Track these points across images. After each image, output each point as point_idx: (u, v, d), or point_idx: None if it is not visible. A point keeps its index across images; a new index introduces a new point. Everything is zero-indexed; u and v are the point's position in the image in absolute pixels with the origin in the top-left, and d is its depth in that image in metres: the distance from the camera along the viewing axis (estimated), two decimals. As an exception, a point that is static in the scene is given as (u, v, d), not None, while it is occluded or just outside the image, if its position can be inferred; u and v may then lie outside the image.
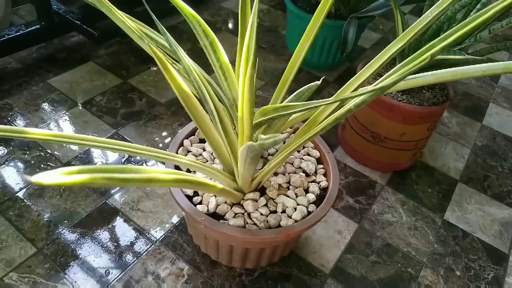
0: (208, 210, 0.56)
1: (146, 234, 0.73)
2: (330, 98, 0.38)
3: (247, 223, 0.55)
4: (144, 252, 0.70)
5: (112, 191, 0.79)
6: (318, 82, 0.43)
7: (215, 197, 0.57)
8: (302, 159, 0.66)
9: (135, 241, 0.72)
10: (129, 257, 0.69)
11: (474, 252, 0.79)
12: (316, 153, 0.67)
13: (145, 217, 0.76)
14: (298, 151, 0.68)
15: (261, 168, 0.57)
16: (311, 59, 1.17)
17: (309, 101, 0.40)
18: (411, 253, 0.77)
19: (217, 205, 0.56)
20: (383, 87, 0.38)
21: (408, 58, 0.45)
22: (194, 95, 0.53)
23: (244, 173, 0.50)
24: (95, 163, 0.85)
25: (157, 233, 0.73)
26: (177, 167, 0.59)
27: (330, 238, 0.77)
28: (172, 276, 0.68)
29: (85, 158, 0.85)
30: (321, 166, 0.66)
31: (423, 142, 0.88)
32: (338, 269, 0.72)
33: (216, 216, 0.56)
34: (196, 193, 0.59)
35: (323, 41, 1.10)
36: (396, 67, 0.47)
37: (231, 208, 0.57)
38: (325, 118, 0.51)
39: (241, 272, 0.69)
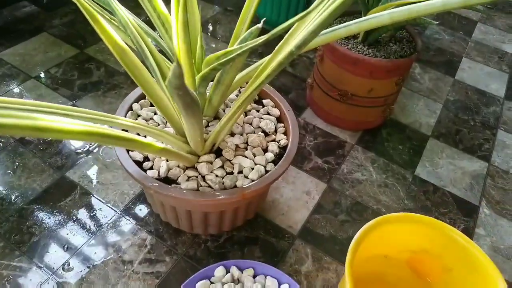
0: (159, 175, 0.53)
1: (107, 206, 0.70)
2: (264, 36, 0.34)
3: (201, 185, 0.52)
4: (105, 224, 0.68)
5: (70, 165, 0.75)
6: (260, 25, 0.39)
7: (167, 161, 0.54)
8: (262, 118, 0.63)
9: (95, 214, 0.69)
10: (88, 231, 0.67)
11: (445, 206, 0.78)
12: (276, 112, 0.64)
13: (104, 189, 0.73)
14: (258, 111, 0.64)
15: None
16: (278, 19, 1.12)
17: (247, 42, 0.37)
18: (381, 210, 0.75)
19: (169, 170, 0.53)
20: (321, 22, 0.34)
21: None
22: (134, 52, 0.49)
23: (190, 130, 0.47)
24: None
25: (118, 205, 0.71)
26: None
27: (298, 199, 0.75)
28: (135, 247, 0.65)
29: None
30: (282, 124, 0.63)
31: (392, 98, 0.85)
32: (306, 229, 0.71)
33: (168, 181, 0.53)
34: (146, 159, 0.55)
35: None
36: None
37: (184, 172, 0.54)
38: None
39: (206, 238, 0.67)
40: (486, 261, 0.50)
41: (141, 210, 0.70)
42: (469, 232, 0.74)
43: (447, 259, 0.56)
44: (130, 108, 0.61)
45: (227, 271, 0.54)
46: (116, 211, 0.70)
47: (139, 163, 0.54)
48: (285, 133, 0.62)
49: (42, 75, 0.93)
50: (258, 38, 0.35)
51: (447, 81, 1.08)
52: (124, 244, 0.66)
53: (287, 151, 0.57)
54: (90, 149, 0.79)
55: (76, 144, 0.79)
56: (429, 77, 1.08)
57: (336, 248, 0.69)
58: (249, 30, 0.42)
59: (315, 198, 0.76)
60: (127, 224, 0.68)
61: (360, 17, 0.83)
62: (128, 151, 0.55)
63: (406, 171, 0.83)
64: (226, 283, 0.51)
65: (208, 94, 0.57)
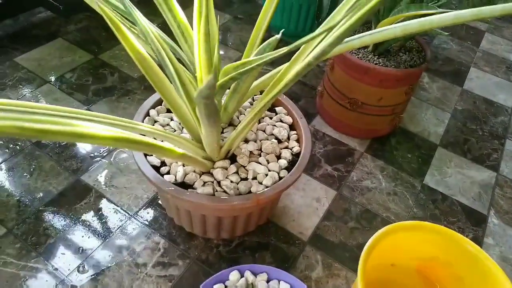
0: (176, 179, 0.54)
1: (120, 210, 0.71)
2: (285, 48, 0.36)
3: (216, 191, 0.54)
4: (119, 227, 0.69)
5: (85, 168, 0.77)
6: (278, 36, 0.40)
7: (183, 166, 0.55)
8: (275, 125, 0.64)
9: (109, 217, 0.70)
10: (103, 233, 0.68)
11: (453, 215, 0.79)
12: (289, 119, 0.66)
13: (119, 193, 0.74)
14: (271, 118, 0.66)
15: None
16: (287, 28, 1.13)
17: (266, 54, 0.38)
18: (391, 218, 0.76)
19: (185, 174, 0.55)
20: (340, 35, 0.35)
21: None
22: (154, 60, 0.51)
23: (208, 137, 0.48)
24: (66, 141, 0.82)
25: (132, 209, 0.72)
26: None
27: (308, 206, 0.76)
28: (148, 250, 0.66)
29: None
30: (294, 132, 0.64)
31: (401, 107, 0.86)
32: (316, 236, 0.71)
33: (184, 186, 0.54)
34: (163, 163, 0.57)
35: (299, 8, 1.07)
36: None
37: (200, 177, 0.55)
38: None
39: (218, 243, 0.68)
40: (497, 270, 0.51)
41: (155, 214, 0.71)
42: (478, 241, 0.75)
43: (457, 268, 0.56)
44: (147, 114, 0.62)
45: (241, 276, 0.55)
46: (130, 215, 0.71)
47: (156, 168, 0.56)
48: (298, 141, 0.63)
49: (57, 80, 0.95)
50: (279, 50, 0.37)
51: (455, 90, 1.09)
52: (138, 247, 0.67)
53: (300, 158, 0.58)
54: (104, 153, 0.80)
55: (90, 148, 0.81)
56: (437, 86, 1.09)
57: (346, 255, 0.69)
58: (267, 41, 0.44)
59: (325, 205, 0.77)
60: (140, 228, 0.69)
61: (370, 27, 0.85)
62: (146, 156, 0.56)
63: (415, 180, 0.84)
64: (240, 287, 0.52)
65: (224, 101, 0.58)
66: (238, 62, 0.45)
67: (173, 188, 0.51)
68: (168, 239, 0.68)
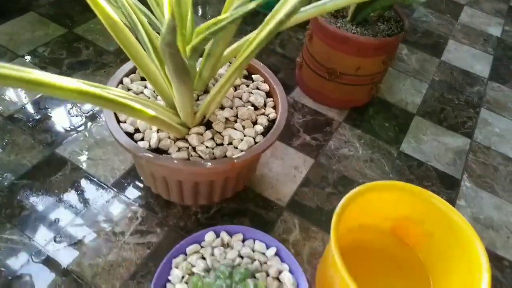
0: (150, 146, 0.54)
1: (97, 181, 0.71)
2: (253, 2, 0.35)
3: (191, 156, 0.53)
4: (96, 198, 0.69)
5: (60, 141, 0.76)
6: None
7: (157, 132, 0.55)
8: (251, 93, 0.64)
9: (85, 188, 0.70)
10: (79, 204, 0.67)
11: (428, 179, 0.80)
12: (266, 87, 0.65)
13: (95, 165, 0.73)
14: (247, 86, 0.65)
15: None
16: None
17: (238, 9, 0.38)
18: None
19: (160, 140, 0.54)
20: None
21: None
22: (126, 26, 0.50)
23: (180, 100, 0.48)
24: (40, 114, 0.81)
25: (109, 180, 0.71)
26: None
27: (287, 174, 0.77)
28: (126, 220, 0.66)
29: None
30: (271, 99, 0.64)
31: (379, 76, 0.87)
32: (294, 202, 0.73)
33: (159, 152, 0.54)
34: (137, 130, 0.56)
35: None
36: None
37: (174, 143, 0.55)
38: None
39: (197, 210, 0.69)
40: (465, 225, 0.52)
41: (132, 184, 0.71)
42: (450, 203, 0.76)
43: (428, 225, 0.58)
44: (121, 82, 0.61)
45: (217, 236, 0.55)
46: (107, 186, 0.71)
47: (130, 135, 0.55)
48: (274, 107, 0.63)
49: (30, 54, 0.92)
50: (248, 4, 0.36)
51: (433, 62, 1.10)
52: (115, 217, 0.67)
53: (276, 123, 0.59)
54: (80, 126, 0.79)
55: (65, 121, 0.80)
56: (416, 58, 1.10)
57: (323, 218, 0.71)
58: (241, 1, 0.43)
59: (303, 173, 0.78)
60: (117, 198, 0.69)
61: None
62: (119, 122, 0.56)
63: (392, 147, 0.85)
64: (216, 247, 0.53)
65: (198, 68, 0.57)
66: (209, 22, 0.44)
67: (146, 154, 0.51)
68: (146, 208, 0.68)
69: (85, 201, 0.68)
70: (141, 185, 0.71)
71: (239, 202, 0.71)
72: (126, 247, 0.63)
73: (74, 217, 0.66)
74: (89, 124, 0.80)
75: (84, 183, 0.70)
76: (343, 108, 0.91)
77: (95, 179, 0.71)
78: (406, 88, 1.00)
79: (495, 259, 0.70)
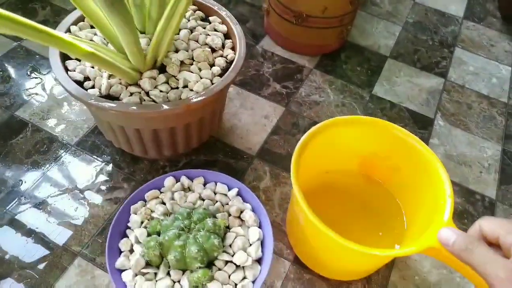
0: (100, 92, 0.52)
1: (60, 141, 0.69)
2: None
3: (144, 100, 0.51)
4: (59, 157, 0.67)
5: (19, 104, 0.73)
6: None
7: (108, 79, 0.52)
8: (208, 35, 0.61)
9: (48, 149, 0.68)
10: (43, 165, 0.66)
11: (401, 120, 0.79)
12: (223, 28, 0.62)
13: (57, 125, 0.71)
14: (204, 28, 0.62)
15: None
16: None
17: None
18: (339, 129, 0.76)
19: (110, 87, 0.52)
20: None
21: None
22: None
23: (123, 39, 0.45)
24: (-4, 78, 0.77)
25: (72, 139, 0.69)
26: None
27: (257, 123, 0.75)
28: (91, 177, 0.65)
29: (-16, 74, 0.77)
30: (230, 40, 0.62)
31: (348, 18, 0.84)
32: (264, 150, 0.71)
33: (111, 98, 0.52)
34: (87, 78, 0.54)
35: None
36: None
37: (126, 89, 0.52)
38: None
39: (165, 164, 0.67)
40: (429, 154, 0.51)
41: (96, 142, 0.69)
42: (424, 142, 0.76)
43: (395, 159, 0.57)
44: (68, 31, 0.58)
45: (177, 181, 0.54)
46: (70, 145, 0.68)
47: (80, 83, 0.53)
48: (233, 49, 0.61)
49: (-18, 17, 0.87)
50: None
51: (407, 3, 1.07)
52: (80, 175, 0.65)
53: (234, 62, 0.56)
54: (40, 87, 0.76)
55: (24, 83, 0.76)
56: (389, 0, 1.06)
57: (294, 164, 0.70)
58: None
59: (273, 121, 0.76)
60: (82, 156, 0.67)
61: None
62: (67, 71, 0.53)
63: (364, 91, 0.83)
64: (176, 191, 0.52)
65: (147, 8, 0.54)
66: None
67: (94, 100, 0.48)
68: (112, 165, 0.66)
69: (48, 162, 0.66)
70: (106, 142, 0.69)
71: (209, 153, 0.69)
72: (93, 204, 0.62)
73: (37, 178, 0.64)
74: (49, 84, 0.77)
75: (46, 144, 0.68)
76: (314, 55, 0.89)
77: (58, 140, 0.69)
78: (378, 31, 0.97)
79: (468, 194, 0.70)
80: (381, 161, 0.59)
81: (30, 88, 0.76)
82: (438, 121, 0.80)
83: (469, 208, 0.69)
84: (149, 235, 0.47)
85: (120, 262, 0.45)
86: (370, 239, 0.45)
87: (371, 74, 0.87)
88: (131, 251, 0.47)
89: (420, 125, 0.79)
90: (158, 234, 0.46)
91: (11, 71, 0.79)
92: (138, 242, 0.47)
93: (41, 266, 0.56)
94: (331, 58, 0.89)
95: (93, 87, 0.53)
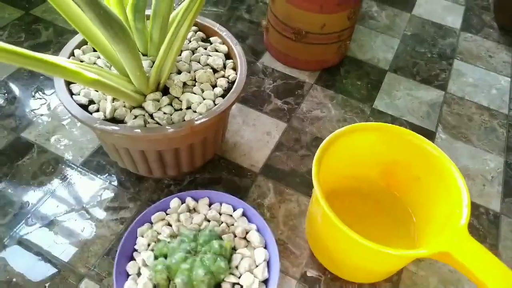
0: (105, 116, 0.53)
1: (66, 162, 0.70)
2: None
3: (148, 122, 0.52)
4: (65, 178, 0.67)
5: (25, 125, 0.74)
6: None
7: (112, 102, 0.53)
8: (209, 55, 0.62)
9: (54, 170, 0.68)
10: (49, 186, 0.66)
11: (402, 134, 0.80)
12: (224, 48, 0.63)
13: (62, 146, 0.72)
14: (205, 49, 0.63)
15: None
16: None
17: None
18: (341, 143, 0.77)
19: (115, 110, 0.53)
20: None
21: None
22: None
23: (126, 62, 0.46)
24: None
25: (77, 159, 0.70)
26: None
27: (259, 140, 0.76)
28: (97, 197, 0.65)
29: (-11, 96, 0.78)
30: (231, 60, 0.63)
31: (346, 33, 0.85)
32: (267, 166, 0.72)
33: (115, 121, 0.53)
34: (92, 102, 0.55)
35: None
36: None
37: (130, 112, 0.53)
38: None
39: (169, 183, 0.68)
40: (452, 166, 0.51)
41: (101, 162, 0.70)
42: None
43: (415, 168, 0.57)
44: (72, 54, 0.59)
45: (183, 202, 0.55)
46: (75, 165, 0.69)
47: (84, 107, 0.54)
48: (234, 69, 0.62)
49: (-12, 39, 0.89)
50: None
51: (404, 17, 1.08)
52: (86, 195, 0.66)
53: (235, 83, 0.57)
54: (45, 108, 0.77)
55: (29, 104, 0.77)
56: (386, 14, 1.08)
57: (297, 180, 0.70)
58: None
59: (276, 137, 0.77)
60: (87, 177, 0.68)
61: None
62: (72, 95, 0.54)
63: (365, 105, 0.84)
64: (182, 213, 0.52)
65: (148, 31, 0.55)
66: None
67: (99, 124, 0.49)
68: (118, 185, 0.67)
69: (54, 183, 0.67)
70: (110, 162, 0.70)
71: (212, 171, 0.70)
72: (99, 224, 0.63)
73: (44, 199, 0.65)
74: (53, 106, 0.78)
75: (52, 165, 0.69)
76: (314, 70, 0.90)
77: (63, 160, 0.70)
78: (377, 45, 0.98)
79: (472, 207, 0.70)
80: (402, 170, 0.60)
81: (35, 109, 0.77)
82: (439, 134, 0.81)
83: (473, 221, 0.69)
84: (156, 258, 0.47)
85: (128, 285, 0.46)
86: (384, 243, 0.47)
87: (371, 88, 0.88)
88: (139, 274, 0.47)
89: (422, 138, 0.79)
90: (165, 256, 0.46)
91: (16, 92, 0.80)
92: (145, 265, 0.47)
93: (48, 289, 0.56)
94: (331, 73, 0.90)
95: (97, 110, 0.54)
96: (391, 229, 0.60)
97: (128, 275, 0.47)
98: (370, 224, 0.60)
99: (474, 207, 0.70)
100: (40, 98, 0.79)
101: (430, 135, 0.80)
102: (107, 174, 0.68)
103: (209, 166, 0.70)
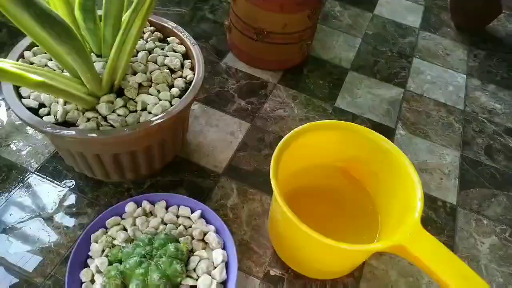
0: (56, 119, 0.51)
1: (20, 168, 0.67)
2: None
3: (101, 125, 0.51)
4: (19, 184, 0.65)
5: (-25, 131, 0.71)
6: None
7: (64, 105, 0.52)
8: (167, 56, 0.61)
9: (7, 176, 0.66)
10: (3, 193, 0.63)
11: (364, 131, 0.81)
12: (182, 48, 0.63)
13: (17, 151, 0.69)
14: (162, 49, 0.62)
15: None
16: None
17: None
18: (304, 142, 0.77)
19: (66, 113, 0.51)
20: None
21: None
22: None
23: (75, 64, 0.44)
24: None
25: (32, 165, 0.67)
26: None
27: (222, 140, 0.76)
28: (54, 204, 0.63)
29: None
30: (189, 61, 0.62)
31: (308, 33, 0.86)
32: (231, 167, 0.72)
33: (67, 125, 0.51)
34: (42, 105, 0.53)
35: None
36: None
37: (83, 114, 0.52)
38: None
39: (129, 187, 0.66)
40: (406, 161, 0.53)
41: (58, 167, 0.68)
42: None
43: (373, 164, 0.59)
44: (22, 56, 0.57)
45: (139, 206, 0.53)
46: (31, 171, 0.67)
47: (35, 111, 0.52)
48: (192, 69, 0.61)
49: None
50: None
51: (366, 16, 1.10)
52: (42, 202, 0.63)
53: (192, 83, 0.57)
54: (-4, 113, 0.74)
55: (-20, 109, 0.74)
56: (349, 14, 1.10)
57: (261, 180, 0.70)
58: None
59: (239, 137, 0.76)
60: (43, 183, 0.66)
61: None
62: (20, 98, 0.52)
63: (326, 104, 0.85)
64: (137, 217, 0.51)
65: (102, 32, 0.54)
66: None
67: (49, 128, 0.48)
68: (75, 190, 0.65)
69: (8, 190, 0.64)
70: (67, 167, 0.68)
71: (174, 173, 0.69)
72: (56, 231, 0.61)
73: (-4, 207, 0.62)
74: (6, 110, 0.75)
75: (6, 170, 0.66)
76: (277, 70, 0.90)
77: (17, 166, 0.67)
78: (339, 45, 1.00)
79: (429, 201, 0.72)
80: (362, 166, 0.61)
81: (-14, 114, 0.74)
82: (399, 130, 0.83)
83: (431, 215, 0.71)
84: (110, 263, 0.46)
85: (80, 293, 0.44)
86: (346, 239, 0.47)
87: (333, 87, 0.89)
88: (92, 281, 0.46)
89: (382, 135, 0.81)
90: (120, 262, 0.45)
91: (-33, 97, 0.76)
92: (99, 271, 0.46)
93: (0, 301, 0.54)
94: (294, 72, 0.91)
95: (48, 113, 0.52)
96: (355, 225, 0.61)
97: (82, 283, 0.46)
98: (333, 221, 0.61)
99: (432, 200, 0.72)
100: (-7, 102, 0.76)
101: (390, 131, 0.82)
102: (64, 180, 0.66)
103: (171, 169, 0.69)
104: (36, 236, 0.60)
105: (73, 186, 0.66)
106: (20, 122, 0.73)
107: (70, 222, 0.62)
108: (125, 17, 0.53)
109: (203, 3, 1.04)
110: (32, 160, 0.68)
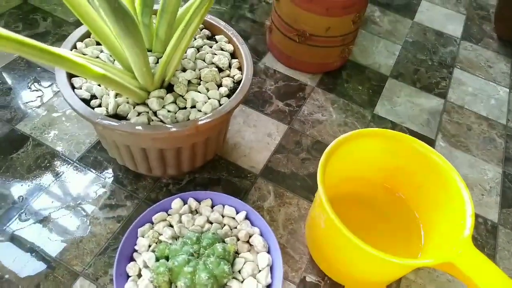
0: (108, 112, 0.51)
1: (62, 157, 0.68)
2: None
3: (152, 120, 0.51)
4: (61, 173, 0.66)
5: (20, 117, 0.72)
6: None
7: (115, 97, 0.52)
8: (215, 54, 0.61)
9: (49, 164, 0.67)
10: (44, 181, 0.64)
11: (402, 141, 0.80)
12: (230, 47, 0.63)
13: (59, 139, 0.70)
14: (211, 47, 0.62)
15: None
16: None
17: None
18: (342, 148, 0.76)
19: (118, 106, 0.51)
20: None
21: None
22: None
23: (133, 59, 0.45)
24: (-4, 90, 0.76)
25: (74, 154, 0.68)
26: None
27: (260, 141, 0.75)
28: (94, 194, 0.64)
29: (-16, 86, 0.76)
30: (236, 60, 0.62)
31: (350, 37, 0.85)
32: (268, 168, 0.71)
33: (118, 118, 0.51)
34: (94, 97, 0.53)
35: None
36: None
37: (134, 108, 0.52)
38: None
39: (168, 182, 0.66)
40: (456, 176, 0.51)
41: (98, 158, 0.68)
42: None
43: (418, 176, 0.57)
44: (74, 47, 0.57)
45: (185, 203, 0.53)
46: (72, 160, 0.68)
47: (86, 101, 0.52)
48: (240, 68, 0.61)
49: (-17, 27, 0.86)
50: None
51: (406, 23, 1.08)
52: (82, 192, 0.64)
53: (241, 84, 0.56)
54: (41, 100, 0.75)
55: (25, 96, 0.75)
56: (389, 20, 1.08)
57: (297, 184, 0.70)
58: None
59: (277, 139, 0.76)
60: (84, 173, 0.66)
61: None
62: (73, 88, 0.52)
63: (366, 110, 0.84)
64: (183, 214, 0.51)
65: (155, 27, 0.54)
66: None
67: (103, 120, 0.48)
68: (115, 182, 0.66)
69: (49, 178, 0.65)
70: (108, 158, 0.68)
71: (212, 171, 0.69)
72: (95, 222, 0.61)
73: (39, 195, 0.63)
74: (50, 98, 0.76)
75: (48, 159, 0.67)
76: (316, 73, 0.89)
77: (59, 155, 0.68)
78: (379, 50, 0.98)
79: (468, 215, 0.70)
80: (406, 177, 0.59)
81: (31, 101, 0.75)
82: (439, 142, 0.81)
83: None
84: (157, 259, 0.46)
85: (128, 287, 0.44)
86: (387, 251, 0.46)
87: (372, 94, 0.88)
88: (139, 275, 0.46)
89: (421, 145, 0.79)
90: (167, 258, 0.45)
91: (12, 83, 0.78)
92: (146, 266, 0.46)
93: (42, 286, 0.54)
94: (332, 76, 0.90)
95: (99, 105, 0.52)
96: (394, 235, 0.60)
97: (128, 276, 0.46)
98: (373, 229, 0.60)
99: (472, 216, 0.70)
100: (37, 90, 0.77)
101: (429, 142, 0.80)
102: (104, 171, 0.67)
103: (209, 166, 0.69)
104: (75, 225, 0.60)
105: (112, 177, 0.66)
106: (62, 110, 0.74)
107: (109, 213, 0.62)
108: (183, 13, 0.53)
109: (243, 2, 1.04)
110: (74, 149, 0.69)
